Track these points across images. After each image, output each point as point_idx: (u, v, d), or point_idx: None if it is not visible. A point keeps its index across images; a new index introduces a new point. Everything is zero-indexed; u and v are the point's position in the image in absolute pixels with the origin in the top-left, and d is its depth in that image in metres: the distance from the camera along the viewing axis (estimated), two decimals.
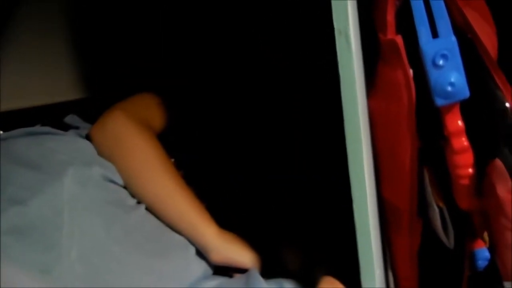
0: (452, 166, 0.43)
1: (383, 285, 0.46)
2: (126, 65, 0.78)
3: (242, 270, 0.55)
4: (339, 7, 0.40)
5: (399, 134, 0.44)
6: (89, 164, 0.55)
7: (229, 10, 0.72)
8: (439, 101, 0.41)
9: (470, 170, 0.42)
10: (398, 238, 0.48)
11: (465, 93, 0.40)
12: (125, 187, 0.56)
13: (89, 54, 0.81)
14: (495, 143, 0.41)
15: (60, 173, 0.53)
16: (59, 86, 0.80)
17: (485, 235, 0.46)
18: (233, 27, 0.72)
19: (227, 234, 0.56)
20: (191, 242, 0.56)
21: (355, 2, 0.41)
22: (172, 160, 0.59)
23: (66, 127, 0.62)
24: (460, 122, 0.41)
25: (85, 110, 0.64)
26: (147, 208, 0.56)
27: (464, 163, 0.42)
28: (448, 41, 0.40)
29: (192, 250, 0.55)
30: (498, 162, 0.40)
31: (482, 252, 0.50)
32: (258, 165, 0.66)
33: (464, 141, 0.42)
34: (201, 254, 0.56)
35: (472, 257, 0.50)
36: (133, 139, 0.56)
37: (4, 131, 0.60)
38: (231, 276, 0.56)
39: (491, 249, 0.47)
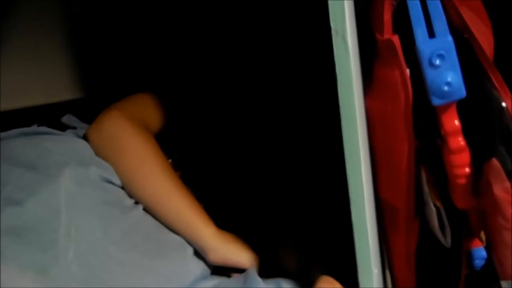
0: (449, 166, 0.43)
1: (381, 284, 0.46)
2: (123, 65, 0.78)
3: (240, 270, 0.56)
4: (336, 7, 0.40)
5: (396, 134, 0.44)
6: (86, 164, 0.55)
7: (225, 10, 0.72)
8: (436, 101, 0.41)
9: (467, 170, 0.42)
10: (396, 237, 0.48)
11: (462, 92, 0.40)
12: (122, 188, 0.56)
13: (86, 54, 0.81)
14: (492, 143, 0.41)
15: (57, 173, 0.53)
16: (56, 86, 0.80)
17: (482, 234, 0.47)
18: (229, 26, 0.72)
19: (225, 234, 0.56)
20: (189, 242, 0.56)
21: (352, 2, 0.41)
22: (170, 160, 0.59)
23: (63, 127, 0.61)
24: (456, 122, 0.41)
25: (82, 110, 0.64)
26: (144, 209, 0.56)
27: (460, 163, 0.42)
28: (445, 41, 0.40)
29: (190, 250, 0.55)
30: (495, 162, 0.40)
31: (479, 251, 0.50)
32: (255, 165, 0.66)
33: (460, 141, 0.42)
34: (199, 254, 0.56)
35: (469, 256, 0.50)
36: (130, 140, 0.56)
37: (0, 131, 0.60)
38: (229, 276, 0.57)
39: (488, 248, 0.47)
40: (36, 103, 0.77)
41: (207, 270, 0.56)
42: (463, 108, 0.41)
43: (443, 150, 0.43)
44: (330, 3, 0.40)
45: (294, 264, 0.56)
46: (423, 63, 0.40)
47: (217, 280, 0.55)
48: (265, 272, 0.54)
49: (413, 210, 0.46)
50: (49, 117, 0.63)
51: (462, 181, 0.43)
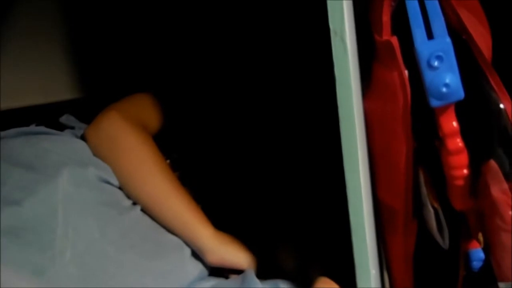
0: (447, 167, 0.43)
1: (379, 285, 0.46)
2: (122, 65, 0.78)
3: (238, 271, 0.55)
4: (335, 8, 0.40)
5: (394, 135, 0.44)
6: (84, 165, 0.55)
7: (223, 11, 0.72)
8: (434, 102, 0.41)
9: (465, 171, 0.42)
10: (393, 238, 0.48)
11: (460, 94, 0.40)
12: (120, 188, 0.56)
13: (85, 54, 0.81)
14: (490, 144, 0.41)
15: (54, 173, 0.52)
16: (54, 86, 0.80)
17: (480, 235, 0.47)
18: (227, 27, 0.72)
19: (223, 235, 0.56)
20: (187, 243, 0.55)
21: (351, 3, 0.41)
22: (168, 161, 0.59)
23: (61, 127, 0.61)
24: (455, 123, 0.42)
25: (81, 110, 0.64)
26: (142, 209, 0.56)
27: (459, 164, 0.42)
28: (443, 42, 0.40)
29: (188, 251, 0.55)
30: (493, 163, 0.40)
31: (477, 253, 0.50)
32: (254, 166, 0.66)
33: (459, 142, 0.42)
34: (196, 255, 0.56)
35: (467, 258, 0.50)
36: (128, 140, 0.56)
37: None
38: (227, 277, 0.56)
39: (486, 249, 0.47)
40: (35, 102, 0.77)
41: (204, 271, 0.56)
42: (461, 109, 0.42)
43: (441, 151, 0.43)
44: (329, 3, 0.40)
45: (292, 265, 0.56)
46: (422, 64, 0.40)
47: (214, 281, 0.55)
48: (263, 273, 0.54)
49: (411, 211, 0.46)
50: (47, 116, 0.63)
51: (460, 182, 0.43)
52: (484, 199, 0.41)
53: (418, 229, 0.48)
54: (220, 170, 0.66)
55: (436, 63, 0.40)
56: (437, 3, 0.40)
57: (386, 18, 0.42)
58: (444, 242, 0.46)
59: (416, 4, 0.41)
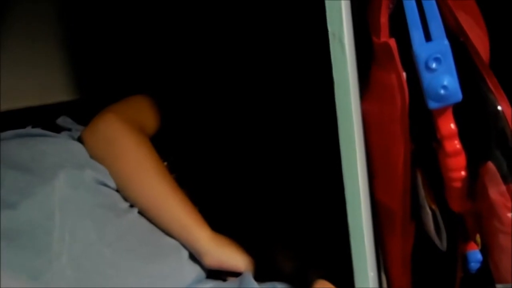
0: (445, 169, 0.43)
1: (377, 287, 0.46)
2: (119, 67, 0.78)
3: (236, 274, 0.55)
4: (333, 10, 0.40)
5: (392, 137, 0.44)
6: (81, 167, 0.54)
7: (221, 12, 0.72)
8: (432, 104, 0.41)
9: (463, 173, 0.42)
10: (391, 240, 0.48)
11: (458, 96, 0.40)
12: (117, 191, 0.56)
13: (82, 55, 0.81)
14: (487, 146, 0.41)
15: (51, 176, 0.52)
16: (51, 87, 0.79)
17: (478, 237, 0.47)
18: (225, 29, 0.72)
19: (220, 238, 0.56)
20: (184, 245, 0.55)
21: (349, 5, 0.41)
22: (165, 163, 0.59)
23: (58, 129, 0.61)
24: (452, 125, 0.42)
25: (78, 112, 0.64)
26: (139, 212, 0.56)
27: (456, 166, 0.42)
28: (441, 44, 0.40)
29: (185, 253, 0.55)
30: (490, 165, 0.40)
31: (475, 254, 0.50)
32: (251, 168, 0.65)
33: (456, 144, 0.42)
34: (194, 257, 0.56)
35: (465, 259, 0.50)
36: (125, 142, 0.56)
37: None
38: (224, 280, 0.56)
39: (483, 251, 0.47)
40: (31, 104, 0.77)
41: (202, 274, 0.56)
42: (459, 111, 0.42)
43: (439, 153, 0.43)
44: (327, 6, 0.40)
45: (290, 267, 0.56)
46: (420, 66, 0.40)
47: (212, 284, 0.55)
48: (261, 275, 0.54)
49: (409, 213, 0.46)
50: (43, 118, 0.63)
51: (458, 184, 0.43)
52: (482, 201, 0.41)
53: (416, 231, 0.48)
54: (218, 172, 0.66)
55: (434, 65, 0.40)
56: (435, 5, 0.41)
57: (384, 20, 0.42)
58: (441, 243, 0.47)
59: (414, 6, 0.41)
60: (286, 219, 0.61)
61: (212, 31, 0.72)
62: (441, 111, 0.41)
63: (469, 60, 0.42)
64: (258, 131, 0.66)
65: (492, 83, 0.41)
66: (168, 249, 0.55)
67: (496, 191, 0.40)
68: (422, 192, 0.46)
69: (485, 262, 0.48)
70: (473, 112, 0.42)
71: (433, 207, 0.46)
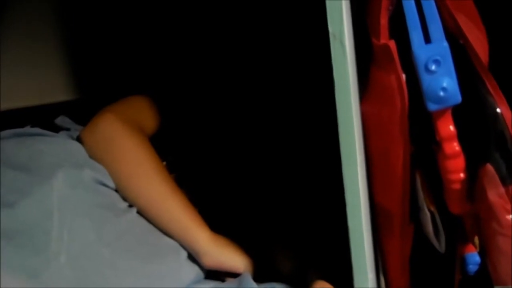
0: (444, 171, 0.43)
1: None
2: (118, 67, 0.78)
3: (235, 275, 0.55)
4: (334, 11, 0.40)
5: (391, 138, 0.44)
6: (79, 167, 0.54)
7: (222, 13, 0.72)
8: (431, 106, 0.41)
9: (462, 175, 0.42)
10: (390, 242, 0.48)
11: (457, 98, 0.40)
12: (116, 190, 0.56)
13: (81, 55, 0.81)
14: (487, 148, 0.41)
15: (49, 175, 0.52)
16: (50, 87, 0.79)
17: (476, 239, 0.47)
18: (225, 29, 0.72)
19: (219, 238, 0.56)
20: (183, 246, 0.55)
21: (350, 6, 0.41)
22: (164, 163, 0.59)
23: (56, 129, 0.61)
24: (452, 127, 0.42)
25: (76, 112, 0.64)
26: (138, 212, 0.56)
27: (455, 168, 0.42)
28: (441, 46, 0.40)
29: (184, 253, 0.55)
30: (489, 167, 0.41)
31: (473, 257, 0.50)
32: (251, 169, 0.65)
33: (455, 146, 0.42)
34: (193, 258, 0.56)
35: (463, 262, 0.51)
36: (124, 142, 0.56)
37: None
38: (223, 281, 0.56)
39: (482, 253, 0.47)
40: (30, 104, 0.76)
41: (201, 274, 0.56)
42: (458, 113, 0.42)
43: (438, 155, 0.43)
44: (328, 6, 0.40)
45: (289, 268, 0.55)
46: (419, 68, 0.40)
47: (211, 284, 0.55)
48: (260, 276, 0.54)
49: (408, 215, 0.46)
50: (42, 118, 0.63)
51: (457, 186, 0.43)
52: (481, 203, 0.41)
53: (415, 233, 0.48)
54: (217, 173, 0.66)
55: (433, 67, 0.40)
56: (434, 7, 0.41)
57: (383, 21, 0.42)
58: (440, 245, 0.47)
59: (414, 8, 0.41)
60: (285, 220, 0.61)
61: (212, 32, 0.72)
62: (441, 113, 0.41)
63: (469, 62, 0.42)
64: (258, 132, 0.66)
65: (491, 86, 0.41)
66: (166, 249, 0.55)
67: (495, 193, 0.40)
68: (421, 194, 0.46)
69: (483, 264, 0.48)
70: (472, 114, 0.42)
71: (432, 209, 0.46)
